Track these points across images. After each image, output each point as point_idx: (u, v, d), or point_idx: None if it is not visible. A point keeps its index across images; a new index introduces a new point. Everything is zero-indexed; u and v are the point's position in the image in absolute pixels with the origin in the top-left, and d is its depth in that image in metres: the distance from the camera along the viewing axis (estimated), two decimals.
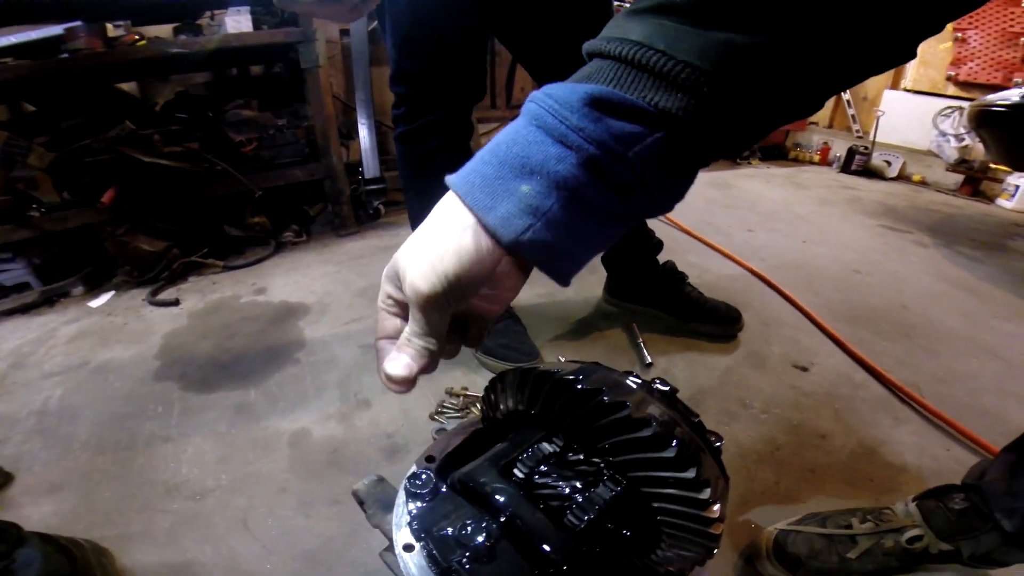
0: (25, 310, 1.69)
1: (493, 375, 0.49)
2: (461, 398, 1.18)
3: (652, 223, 1.54)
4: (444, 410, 1.15)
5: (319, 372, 1.34)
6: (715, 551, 0.36)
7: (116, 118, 1.94)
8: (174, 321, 1.60)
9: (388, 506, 0.54)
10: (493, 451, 0.43)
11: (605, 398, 0.35)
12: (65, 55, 1.65)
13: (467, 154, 1.30)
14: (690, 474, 0.33)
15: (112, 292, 1.79)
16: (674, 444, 0.33)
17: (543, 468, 0.40)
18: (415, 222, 1.40)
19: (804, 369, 1.37)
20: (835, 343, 1.48)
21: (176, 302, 1.70)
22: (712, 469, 0.37)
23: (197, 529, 0.90)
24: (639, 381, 0.39)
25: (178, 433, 1.13)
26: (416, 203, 1.36)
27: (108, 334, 1.53)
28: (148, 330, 1.55)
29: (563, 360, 0.48)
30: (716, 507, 0.35)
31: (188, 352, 1.43)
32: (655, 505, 0.36)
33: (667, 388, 0.42)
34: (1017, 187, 2.90)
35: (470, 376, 1.30)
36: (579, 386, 0.37)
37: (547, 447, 0.42)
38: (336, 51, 2.73)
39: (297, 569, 0.84)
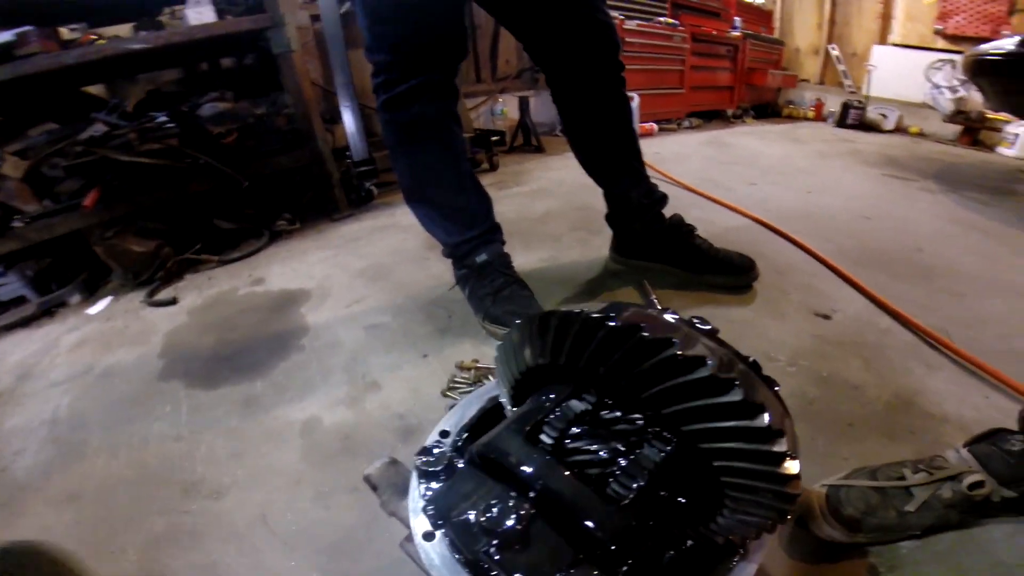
0: (25, 323, 1.66)
1: None
2: (472, 371, 1.13)
3: (653, 180, 1.48)
4: (456, 385, 1.10)
5: (324, 357, 1.30)
6: (789, 513, 0.30)
7: (87, 121, 1.90)
8: (174, 320, 1.56)
9: (403, 490, 0.48)
10: (515, 415, 0.37)
11: (645, 334, 0.29)
12: (20, 59, 1.59)
13: (455, 119, 1.23)
14: (760, 422, 0.27)
15: (110, 297, 1.75)
16: (738, 385, 0.27)
17: (575, 430, 0.34)
18: (409, 194, 1.33)
19: (826, 317, 1.31)
20: (855, 288, 1.43)
21: (174, 301, 1.66)
22: (780, 414, 0.31)
23: (219, 529, 0.88)
24: (678, 316, 0.33)
25: (189, 431, 1.10)
26: (407, 173, 1.29)
27: (109, 339, 1.50)
28: (149, 331, 1.51)
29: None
30: (794, 462, 0.29)
31: (191, 349, 1.40)
32: (716, 464, 0.29)
33: (708, 327, 0.35)
34: (1017, 135, 2.90)
35: (480, 348, 1.26)
36: (612, 323, 0.30)
37: (577, 405, 0.35)
38: (309, 37, 2.70)
39: (322, 563, 0.80)
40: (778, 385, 0.34)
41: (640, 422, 0.33)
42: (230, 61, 2.68)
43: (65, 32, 1.77)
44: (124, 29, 2.02)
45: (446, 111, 1.20)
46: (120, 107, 2.12)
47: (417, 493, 0.37)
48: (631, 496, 0.31)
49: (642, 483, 0.31)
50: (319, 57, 2.80)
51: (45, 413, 1.20)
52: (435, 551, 0.37)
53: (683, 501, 0.32)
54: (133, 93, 2.41)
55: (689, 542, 0.36)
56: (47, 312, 1.70)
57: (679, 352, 0.28)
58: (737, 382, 0.27)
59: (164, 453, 1.04)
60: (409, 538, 0.44)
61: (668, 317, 0.33)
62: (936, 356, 1.17)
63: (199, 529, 0.88)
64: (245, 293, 1.68)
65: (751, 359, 0.32)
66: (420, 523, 0.38)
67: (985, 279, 1.47)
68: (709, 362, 0.28)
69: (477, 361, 1.17)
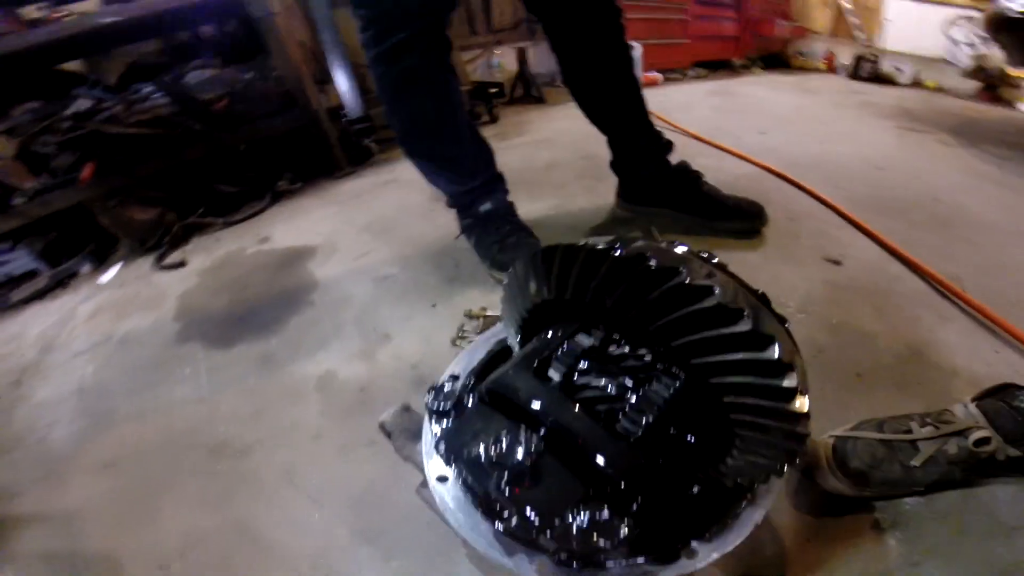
0: (40, 296, 1.68)
1: None
2: (481, 320, 1.13)
3: (658, 127, 1.45)
4: (465, 334, 1.11)
5: (335, 311, 1.31)
6: (799, 455, 0.29)
7: (69, 97, 1.89)
8: (185, 282, 1.57)
9: (417, 435, 0.49)
10: (522, 352, 0.36)
11: (652, 263, 0.28)
12: None
13: (449, 69, 1.19)
14: (771, 354, 0.26)
15: (119, 265, 1.76)
16: (746, 315, 0.26)
17: (583, 366, 0.34)
18: (408, 147, 1.31)
19: (837, 263, 1.29)
20: (866, 235, 1.40)
21: (183, 263, 1.67)
22: (790, 349, 0.30)
23: (247, 488, 0.91)
24: (685, 247, 0.31)
25: (210, 393, 1.12)
26: (404, 126, 1.27)
27: (124, 305, 1.52)
28: (161, 295, 1.52)
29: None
30: (804, 399, 0.28)
31: (204, 310, 1.41)
32: (726, 400, 0.29)
33: (716, 260, 0.34)
34: None
35: (488, 296, 1.26)
36: (618, 253, 0.29)
37: (585, 340, 0.35)
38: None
39: (345, 515, 0.83)
40: (788, 321, 0.33)
41: (649, 357, 0.33)
42: (212, 29, 2.60)
43: (33, 11, 1.70)
44: (91, 4, 1.96)
45: (438, 62, 1.17)
46: (101, 82, 2.07)
47: (429, 434, 0.37)
48: (640, 432, 0.30)
49: (651, 419, 0.30)
50: (304, 18, 2.73)
51: (72, 383, 1.23)
52: (449, 493, 0.38)
53: (692, 440, 0.32)
54: (113, 67, 2.34)
55: (697, 488, 0.37)
56: (60, 283, 1.71)
57: (687, 280, 0.27)
58: (746, 312, 0.26)
59: (188, 416, 1.07)
60: (424, 484, 0.45)
61: (676, 249, 0.32)
62: (948, 306, 1.15)
63: (228, 489, 0.91)
64: (253, 252, 1.68)
65: (760, 292, 0.31)
66: (434, 466, 0.39)
67: (1003, 230, 1.43)
68: (717, 291, 0.27)
69: (486, 309, 1.17)
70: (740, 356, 0.27)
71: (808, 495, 0.77)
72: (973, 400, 0.74)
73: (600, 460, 0.30)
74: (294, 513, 0.85)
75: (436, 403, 0.37)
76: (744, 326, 0.27)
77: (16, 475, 1.00)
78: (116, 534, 0.85)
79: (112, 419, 1.10)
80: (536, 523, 0.29)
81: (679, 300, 0.28)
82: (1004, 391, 0.73)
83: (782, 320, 0.31)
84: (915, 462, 0.70)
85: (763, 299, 0.31)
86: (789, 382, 0.27)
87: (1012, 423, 0.68)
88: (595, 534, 0.29)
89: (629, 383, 0.33)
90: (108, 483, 0.96)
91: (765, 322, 0.27)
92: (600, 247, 0.31)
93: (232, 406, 1.07)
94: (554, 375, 0.35)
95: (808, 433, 0.28)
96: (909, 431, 0.73)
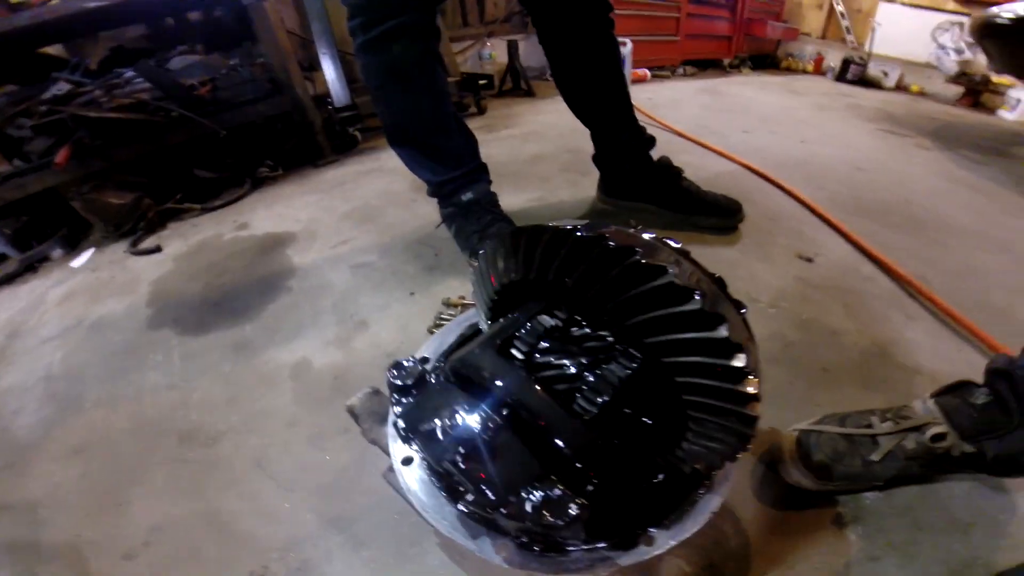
0: (9, 280, 1.64)
1: None
2: (459, 308, 1.13)
3: (642, 123, 1.46)
4: (442, 322, 1.11)
5: (313, 298, 1.30)
6: (751, 439, 0.30)
7: (49, 81, 1.86)
8: (160, 267, 1.55)
9: (384, 419, 0.49)
10: (488, 332, 0.37)
11: (610, 243, 0.28)
12: None
13: (437, 59, 1.19)
14: (720, 333, 0.27)
15: (92, 249, 1.73)
16: (697, 295, 0.26)
17: (544, 345, 0.34)
18: (392, 136, 1.30)
19: (809, 260, 1.32)
20: (840, 235, 1.44)
21: (158, 249, 1.65)
22: (743, 332, 0.30)
23: (217, 475, 0.90)
24: (652, 234, 0.32)
25: (182, 379, 1.10)
26: (389, 114, 1.27)
27: (97, 290, 1.49)
28: (135, 280, 1.50)
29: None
30: (753, 380, 0.28)
31: (179, 296, 1.39)
32: (678, 380, 0.29)
33: (679, 245, 0.35)
34: (1019, 100, 2.93)
35: (467, 285, 1.26)
36: (579, 234, 0.29)
37: (548, 320, 0.35)
38: None
39: (316, 503, 0.83)
40: (745, 307, 0.33)
41: (610, 339, 0.33)
42: (198, 14, 2.56)
43: None
44: None
45: (426, 51, 1.16)
46: (82, 65, 2.04)
47: (392, 414, 0.37)
48: (596, 411, 0.31)
49: (607, 399, 0.31)
50: (294, 5, 2.70)
51: (39, 370, 1.20)
52: (413, 476, 0.38)
53: (649, 422, 0.33)
54: (96, 51, 2.31)
55: (660, 476, 0.37)
56: (30, 268, 1.67)
57: (641, 260, 0.27)
58: (697, 293, 0.27)
59: (160, 402, 1.05)
60: (391, 468, 0.45)
61: (637, 231, 0.33)
62: (915, 306, 1.18)
63: (198, 477, 0.89)
64: (230, 238, 1.66)
65: (717, 276, 0.31)
66: (399, 449, 0.39)
67: (973, 233, 1.48)
68: (670, 270, 0.27)
69: (463, 297, 1.17)
70: (690, 335, 0.27)
71: (772, 489, 0.79)
72: (932, 396, 0.75)
73: (556, 439, 0.30)
74: (265, 501, 0.84)
75: (398, 379, 0.36)
76: (694, 305, 0.27)
77: None
78: (81, 523, 0.83)
79: (81, 405, 1.08)
80: (492, 499, 0.29)
81: (633, 279, 0.28)
82: (962, 388, 0.74)
83: (739, 305, 0.32)
84: (875, 456, 0.72)
85: (720, 283, 0.31)
86: (738, 362, 0.27)
87: (968, 419, 0.69)
88: (546, 512, 0.29)
89: (588, 363, 0.33)
90: (75, 471, 0.94)
91: (717, 303, 0.27)
92: (564, 228, 0.31)
93: (205, 393, 1.06)
94: (516, 355, 0.35)
95: (758, 416, 0.28)
96: (870, 426, 0.75)
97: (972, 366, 1.00)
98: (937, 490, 0.77)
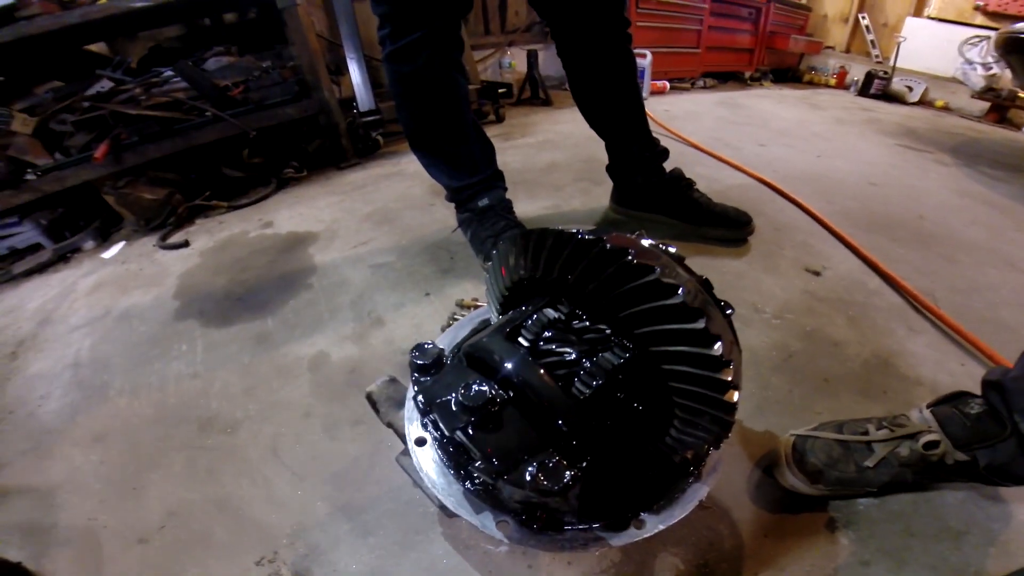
0: (42, 269, 1.70)
1: None
2: (472, 309, 1.16)
3: (657, 135, 1.49)
4: (455, 322, 1.13)
5: (332, 295, 1.34)
6: (731, 426, 0.33)
7: (93, 78, 1.92)
8: (187, 262, 1.60)
9: (401, 404, 0.52)
10: (499, 321, 0.41)
11: (608, 246, 0.32)
12: (22, 21, 1.59)
13: (459, 69, 1.23)
14: (699, 324, 0.30)
15: (123, 242, 1.79)
16: (680, 291, 0.30)
17: (548, 334, 0.38)
18: (413, 141, 1.35)
19: (816, 273, 1.33)
20: (849, 249, 1.44)
21: (186, 243, 1.71)
22: (722, 327, 0.34)
23: (233, 463, 0.92)
24: (650, 240, 0.35)
25: (204, 369, 1.14)
26: (411, 122, 1.31)
27: (125, 281, 1.54)
28: (163, 273, 1.55)
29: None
30: (729, 368, 0.32)
31: (204, 289, 1.44)
32: (664, 368, 0.33)
33: (675, 251, 0.38)
34: None
35: (480, 289, 1.30)
36: (580, 236, 0.33)
37: (551, 313, 0.39)
38: None
39: (327, 492, 0.85)
40: (732, 309, 0.37)
41: (607, 331, 0.37)
42: (233, 16, 2.64)
43: None
44: None
45: (449, 61, 1.20)
46: (124, 63, 2.12)
47: (411, 391, 0.41)
48: (589, 393, 0.34)
49: (600, 382, 0.34)
50: (324, 9, 2.76)
51: (67, 357, 1.24)
52: (424, 456, 0.41)
53: (639, 408, 0.36)
54: (135, 50, 2.39)
55: (651, 464, 0.40)
56: (63, 258, 1.74)
57: (633, 260, 0.31)
58: (680, 288, 0.30)
59: (182, 391, 1.09)
60: (405, 452, 0.48)
61: (637, 236, 0.36)
62: (920, 320, 1.18)
63: (215, 464, 0.92)
64: (255, 235, 1.72)
65: (704, 278, 0.35)
66: (414, 431, 0.42)
67: (983, 249, 1.47)
68: (657, 269, 0.30)
69: (477, 300, 1.20)
70: (673, 327, 0.31)
71: (768, 492, 0.80)
72: (928, 406, 0.77)
73: (554, 415, 0.34)
74: (277, 489, 0.87)
75: (419, 359, 0.40)
76: (676, 299, 0.30)
77: (2, 447, 0.99)
78: (98, 508, 0.85)
79: (105, 393, 1.11)
80: (496, 465, 0.33)
81: (625, 276, 0.32)
82: (958, 398, 0.75)
83: (726, 307, 0.35)
84: (869, 463, 0.73)
85: (706, 284, 0.34)
86: (716, 351, 0.30)
87: (961, 428, 0.71)
88: (542, 476, 0.32)
89: (586, 352, 0.36)
90: (95, 456, 0.96)
91: (698, 298, 0.31)
92: (569, 231, 0.35)
93: (225, 383, 1.10)
94: (523, 342, 0.39)
95: (735, 404, 0.32)
96: (866, 432, 0.76)
97: (974, 379, 0.99)
98: (931, 498, 0.78)
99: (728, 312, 0.35)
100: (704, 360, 0.31)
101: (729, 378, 0.31)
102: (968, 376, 1.03)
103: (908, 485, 0.75)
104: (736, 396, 0.32)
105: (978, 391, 0.75)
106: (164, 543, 0.79)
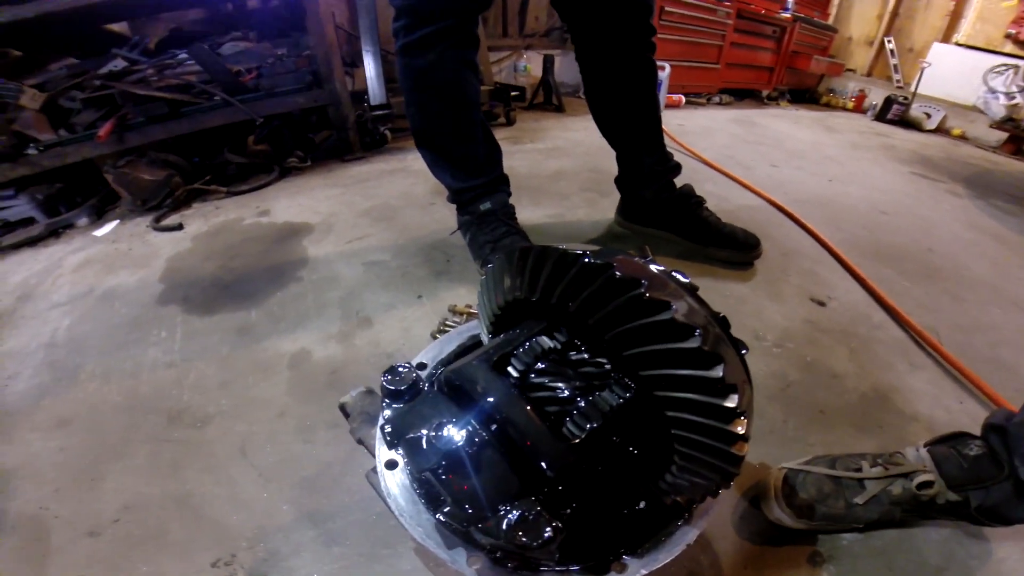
0: (32, 243, 1.66)
1: None
2: (464, 316, 1.11)
3: (670, 150, 1.45)
4: (446, 328, 1.09)
5: (321, 290, 1.30)
6: (734, 478, 0.29)
7: (108, 56, 1.91)
8: (178, 245, 1.56)
9: (374, 419, 0.48)
10: (486, 346, 0.36)
11: (617, 273, 0.27)
12: None
13: (472, 68, 1.19)
14: (716, 373, 0.25)
15: (117, 221, 1.76)
16: (697, 334, 0.25)
17: (541, 366, 0.33)
18: (419, 138, 1.31)
19: (821, 304, 1.30)
20: (855, 279, 1.41)
21: (180, 226, 1.67)
22: (739, 373, 0.29)
23: (198, 459, 0.88)
24: (661, 267, 0.31)
25: (181, 358, 1.10)
26: (418, 117, 1.27)
27: (113, 261, 1.51)
28: (152, 254, 1.51)
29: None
30: (742, 421, 0.27)
31: (192, 274, 1.40)
32: (669, 415, 0.28)
33: (687, 280, 0.33)
34: None
35: (474, 295, 1.25)
36: (587, 260, 0.28)
37: (547, 341, 0.34)
38: None
39: (294, 496, 0.81)
40: (747, 348, 0.32)
41: (607, 367, 0.32)
42: (256, 1, 2.62)
43: None
44: None
45: (462, 59, 1.17)
46: (141, 44, 2.10)
47: (380, 419, 0.36)
48: (583, 437, 0.29)
49: (595, 425, 0.29)
50: (346, 0, 2.75)
51: (43, 336, 1.20)
52: (393, 480, 0.37)
53: (635, 452, 0.31)
54: (156, 31, 2.38)
55: (641, 504, 0.36)
56: (54, 233, 1.70)
57: (645, 293, 0.26)
58: (698, 331, 0.25)
59: (155, 380, 1.05)
60: (375, 469, 0.44)
61: (649, 266, 0.31)
62: (921, 356, 1.16)
63: (179, 458, 0.88)
64: (250, 223, 1.68)
65: (721, 315, 0.30)
66: (385, 452, 0.37)
67: (989, 286, 1.45)
68: (673, 307, 0.26)
69: (470, 306, 1.16)
70: (686, 372, 0.26)
71: (753, 523, 0.78)
72: (926, 445, 0.76)
73: (539, 459, 0.29)
74: (242, 489, 0.83)
75: (391, 384, 0.35)
76: (693, 343, 0.25)
77: None
78: (51, 496, 0.82)
79: (76, 376, 1.07)
80: (469, 513, 0.28)
81: (636, 311, 0.27)
82: (957, 439, 0.74)
83: (740, 346, 0.30)
84: (859, 500, 0.72)
85: (723, 323, 0.30)
86: (730, 403, 0.25)
87: (958, 469, 0.70)
88: (520, 531, 0.28)
89: (582, 388, 0.31)
90: (56, 443, 0.92)
91: (716, 343, 0.26)
92: (572, 252, 0.30)
93: (200, 374, 1.06)
94: (512, 372, 0.34)
95: (743, 456, 0.27)
96: (859, 469, 0.75)
97: (972, 417, 0.99)
98: (914, 535, 0.77)
99: (743, 352, 0.31)
100: (717, 411, 0.26)
101: (741, 430, 0.26)
102: (965, 414, 1.01)
103: (895, 522, 0.74)
104: (746, 449, 0.27)
105: (975, 430, 0.74)
106: (115, 537, 0.76)
